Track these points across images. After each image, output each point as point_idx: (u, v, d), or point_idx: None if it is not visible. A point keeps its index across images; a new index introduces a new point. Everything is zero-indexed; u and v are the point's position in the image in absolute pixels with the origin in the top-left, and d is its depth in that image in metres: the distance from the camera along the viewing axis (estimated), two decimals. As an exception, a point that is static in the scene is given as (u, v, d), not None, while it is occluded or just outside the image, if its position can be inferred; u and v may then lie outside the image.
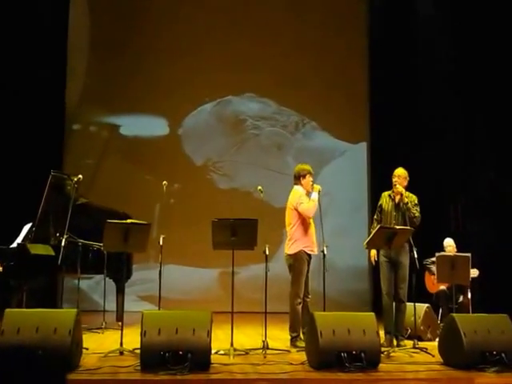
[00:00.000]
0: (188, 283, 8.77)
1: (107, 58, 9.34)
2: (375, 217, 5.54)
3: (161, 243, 4.96)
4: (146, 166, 9.21)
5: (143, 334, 3.80)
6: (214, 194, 9.22)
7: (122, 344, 4.34)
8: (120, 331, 4.44)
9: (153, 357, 3.71)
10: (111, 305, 6.33)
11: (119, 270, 5.80)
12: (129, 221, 5.20)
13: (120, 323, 4.82)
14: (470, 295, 6.28)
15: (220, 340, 4.86)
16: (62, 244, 4.73)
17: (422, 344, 4.97)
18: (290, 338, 5.05)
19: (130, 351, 4.29)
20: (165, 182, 5.43)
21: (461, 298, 6.22)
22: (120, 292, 6.11)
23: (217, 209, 8.20)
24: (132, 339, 4.50)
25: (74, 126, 9.39)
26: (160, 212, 8.22)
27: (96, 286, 8.13)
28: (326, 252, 4.90)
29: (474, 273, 6.00)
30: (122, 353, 4.28)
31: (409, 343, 4.98)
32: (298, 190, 5.22)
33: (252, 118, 9.62)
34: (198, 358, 3.73)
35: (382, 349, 4.25)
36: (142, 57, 9.34)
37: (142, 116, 9.38)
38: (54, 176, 5.66)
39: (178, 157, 9.30)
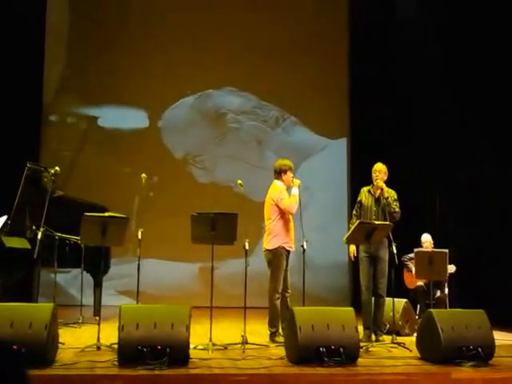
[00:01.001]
0: (167, 278, 8.71)
1: (86, 47, 9.19)
2: (354, 212, 5.57)
3: (139, 237, 4.91)
4: (124, 159, 9.10)
5: (121, 328, 3.76)
6: (193, 187, 9.17)
7: (99, 339, 4.30)
8: (97, 326, 4.39)
9: (131, 352, 3.68)
10: (88, 299, 6.26)
11: (97, 264, 5.74)
12: (107, 214, 5.13)
13: (97, 318, 4.78)
14: (447, 291, 6.38)
15: (199, 335, 4.84)
16: (38, 237, 4.64)
17: (400, 339, 5.03)
18: (269, 333, 5.06)
19: (107, 346, 4.25)
20: (144, 175, 5.38)
21: (438, 294, 6.30)
22: (97, 286, 6.04)
23: (196, 203, 8.13)
24: (109, 334, 4.46)
25: (51, 117, 9.22)
26: (139, 205, 8.16)
27: (73, 280, 8.01)
28: (305, 247, 4.91)
29: (451, 269, 6.09)
30: (99, 348, 4.24)
31: (387, 338, 5.04)
32: (278, 185, 5.21)
33: (232, 112, 9.59)
34: (177, 352, 3.71)
35: (361, 344, 4.28)
36: (123, 48, 9.21)
37: (121, 108, 9.26)
38: (30, 168, 5.55)
39: (158, 150, 9.22)
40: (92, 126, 9.25)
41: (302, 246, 4.93)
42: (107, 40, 9.20)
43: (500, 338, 5.07)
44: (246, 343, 4.56)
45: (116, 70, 9.16)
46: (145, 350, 3.66)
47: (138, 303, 4.92)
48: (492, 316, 4.29)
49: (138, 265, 4.88)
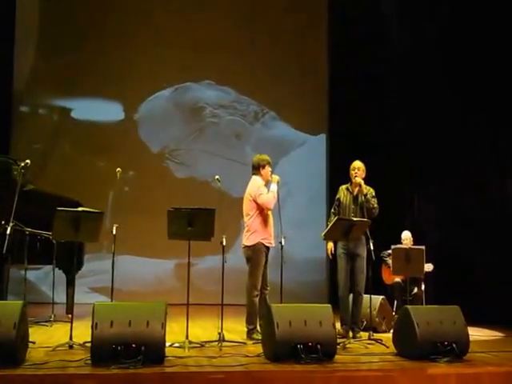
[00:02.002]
0: (142, 274, 8.66)
1: (60, 37, 9.02)
2: (332, 210, 5.62)
3: (114, 232, 4.89)
4: (99, 152, 8.99)
5: (94, 326, 3.72)
6: (170, 182, 9.12)
7: (71, 337, 4.26)
8: (70, 324, 4.35)
9: (104, 350, 3.65)
10: (61, 297, 6.19)
11: (69, 261, 5.66)
12: (80, 209, 5.07)
13: (70, 316, 4.72)
14: (423, 287, 6.49)
15: (175, 333, 4.84)
16: (8, 232, 4.56)
17: (377, 335, 5.11)
18: (246, 330, 5.08)
19: (80, 345, 4.22)
20: (119, 169, 5.34)
21: (415, 290, 6.42)
22: (70, 283, 5.97)
23: (173, 198, 8.08)
24: (82, 332, 4.43)
25: (23, 108, 9.05)
26: (113, 200, 8.08)
27: (45, 277, 7.90)
28: (283, 243, 4.94)
29: (429, 267, 6.20)
30: (71, 346, 4.20)
31: (364, 335, 5.11)
32: (256, 181, 5.22)
33: (211, 105, 9.55)
34: (152, 351, 3.70)
35: (338, 340, 4.33)
36: (97, 38, 9.08)
37: (95, 100, 9.13)
38: (0, 160, 5.44)
39: (134, 143, 9.13)
40: (65, 118, 9.11)
41: (280, 243, 4.97)
42: (82, 30, 9.05)
43: (474, 333, 5.19)
44: (223, 341, 4.57)
45: (91, 60, 9.02)
46: (119, 348, 3.63)
47: (112, 301, 4.88)
48: (466, 312, 4.38)
49: (113, 261, 4.85)
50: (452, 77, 7.31)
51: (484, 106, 6.91)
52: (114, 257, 4.87)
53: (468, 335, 4.25)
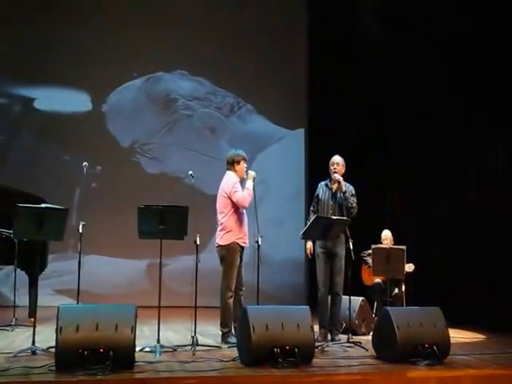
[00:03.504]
0: (111, 275, 8.59)
1: (21, 21, 8.86)
2: (312, 208, 5.66)
3: (80, 231, 4.87)
4: (64, 145, 8.88)
5: (59, 330, 3.69)
6: (140, 178, 9.06)
7: (34, 342, 4.22)
8: (32, 328, 4.29)
9: (70, 356, 3.62)
10: (23, 299, 6.10)
11: (32, 261, 5.58)
12: (43, 205, 5.00)
13: (32, 319, 4.66)
14: (404, 288, 6.60)
15: (146, 336, 4.83)
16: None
17: (356, 338, 5.19)
18: (220, 333, 5.09)
19: (43, 350, 4.18)
20: (85, 164, 5.32)
21: (395, 291, 6.52)
22: (33, 285, 5.89)
23: (144, 194, 8.05)
24: (46, 337, 4.42)
25: (-19, 98, 8.88)
26: (80, 197, 7.99)
27: (6, 279, 7.78)
28: (260, 243, 4.96)
29: (410, 267, 6.30)
30: (34, 352, 4.16)
31: (343, 337, 5.17)
32: (230, 177, 5.23)
33: (184, 97, 9.51)
34: (121, 356, 3.68)
35: (316, 343, 4.38)
36: (64, 23, 8.95)
37: (60, 89, 9.00)
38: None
39: (102, 136, 9.04)
40: (28, 109, 8.97)
41: (257, 242, 4.98)
42: (46, 14, 8.92)
43: (455, 335, 5.31)
44: (197, 345, 4.57)
45: (55, 47, 8.89)
46: (86, 353, 3.61)
47: (78, 303, 4.83)
48: (448, 314, 4.47)
49: (79, 261, 4.82)
50: (437, 74, 7.44)
51: (464, 107, 7.05)
52: (80, 257, 4.83)
53: (449, 337, 4.33)
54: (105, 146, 8.99)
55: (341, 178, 5.43)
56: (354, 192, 5.50)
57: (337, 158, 5.53)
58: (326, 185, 5.57)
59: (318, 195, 5.59)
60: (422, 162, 7.64)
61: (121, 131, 9.21)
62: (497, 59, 6.59)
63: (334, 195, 5.48)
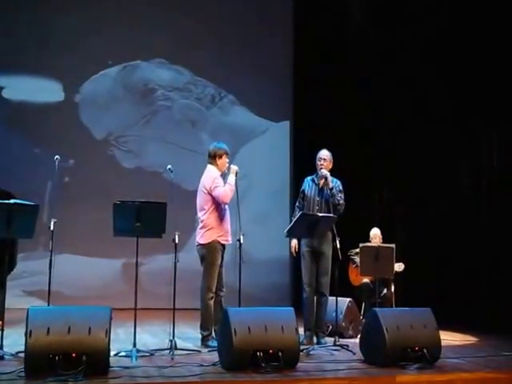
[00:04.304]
0: (84, 275, 8.52)
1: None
2: (297, 204, 5.67)
3: (52, 228, 4.83)
4: (34, 137, 8.77)
5: (28, 334, 3.67)
6: (116, 172, 9.00)
7: (2, 347, 4.20)
8: (0, 332, 4.25)
9: (40, 361, 3.61)
10: (-11, 301, 6.02)
11: (0, 260, 5.51)
12: (12, 201, 4.93)
13: (0, 322, 4.60)
14: (393, 288, 6.65)
15: (121, 340, 4.82)
16: None
17: (343, 341, 5.22)
18: (200, 336, 5.09)
19: (12, 355, 4.15)
20: (57, 157, 5.27)
21: (384, 292, 6.57)
22: (1, 286, 5.81)
23: (119, 190, 8.01)
24: (15, 341, 4.39)
25: None
26: (51, 192, 7.89)
27: (-30, 279, 7.66)
28: (242, 241, 4.97)
29: (400, 267, 6.35)
30: (2, 357, 4.14)
31: (330, 340, 5.20)
32: (211, 172, 5.22)
33: (163, 87, 9.46)
34: (95, 360, 3.67)
35: (301, 347, 4.40)
36: (34, 8, 8.82)
37: (30, 77, 8.88)
38: None
39: (75, 128, 8.94)
40: (-5, 98, 8.84)
41: (239, 240, 4.99)
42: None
43: (446, 338, 5.37)
44: (175, 349, 4.57)
45: (25, 32, 8.76)
46: (57, 358, 3.59)
47: (49, 305, 4.79)
48: (438, 315, 4.52)
49: (50, 260, 4.78)
50: (428, 67, 7.50)
51: (459, 103, 7.12)
52: (51, 256, 4.79)
53: (440, 340, 4.37)
54: (78, 138, 8.90)
55: (328, 174, 5.44)
56: (341, 188, 5.52)
57: (324, 153, 5.54)
58: (313, 180, 5.58)
59: (303, 191, 5.60)
60: (413, 157, 7.69)
61: (95, 123, 9.13)
62: (493, 53, 6.66)
63: (320, 191, 5.49)
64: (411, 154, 7.70)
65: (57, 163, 5.22)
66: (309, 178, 5.64)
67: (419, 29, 7.59)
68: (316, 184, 5.54)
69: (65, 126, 8.87)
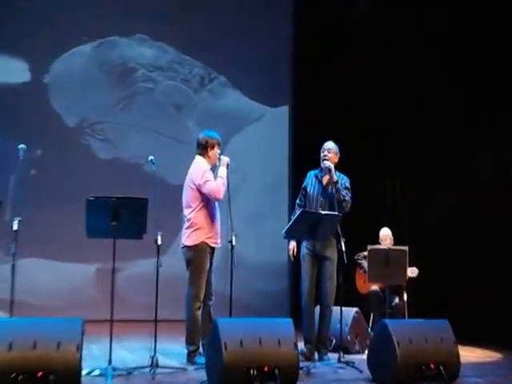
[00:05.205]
0: (53, 283, 8.52)
1: None
2: (298, 201, 5.68)
3: (15, 228, 4.80)
4: (-4, 124, 8.75)
5: (-13, 350, 3.65)
6: (90, 164, 8.98)
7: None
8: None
9: (1, 380, 3.58)
10: None
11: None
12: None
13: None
14: (405, 297, 6.66)
15: (95, 357, 4.80)
16: None
17: (348, 357, 5.21)
18: (186, 352, 5.09)
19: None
20: (22, 146, 5.22)
21: (396, 301, 6.57)
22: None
23: (94, 184, 8.00)
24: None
25: None
26: (15, 186, 7.86)
27: None
28: (234, 243, 4.96)
29: (413, 272, 6.35)
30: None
31: (333, 356, 5.20)
32: (200, 164, 5.22)
33: (144, 66, 9.45)
34: (64, 380, 3.66)
35: (301, 364, 4.38)
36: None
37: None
38: None
39: (43, 113, 8.92)
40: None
41: (230, 242, 4.97)
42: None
43: (466, 353, 5.39)
44: (157, 366, 4.57)
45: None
46: (20, 377, 3.58)
47: (11, 316, 4.77)
48: (457, 327, 4.53)
49: (13, 266, 4.76)
50: (432, 54, 7.57)
51: (464, 97, 7.18)
52: (14, 260, 4.76)
53: (459, 356, 4.39)
54: (46, 125, 8.88)
55: (332, 166, 5.44)
56: (348, 185, 5.53)
57: (329, 144, 5.57)
58: (316, 176, 5.58)
59: (305, 187, 5.61)
60: (428, 146, 7.70)
61: (67, 107, 9.10)
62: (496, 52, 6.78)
63: (324, 190, 5.49)
64: (426, 143, 7.71)
65: (21, 153, 5.19)
66: (312, 172, 5.64)
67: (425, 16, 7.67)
68: (320, 181, 5.54)
69: (31, 111, 8.84)
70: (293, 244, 5.55)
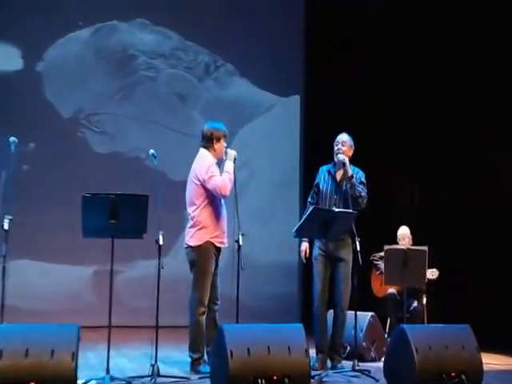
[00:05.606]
0: (47, 286, 8.54)
1: None
2: (309, 199, 5.69)
3: (6, 227, 4.82)
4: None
5: (-24, 358, 3.67)
6: (87, 158, 9.00)
7: None
8: None
9: (-9, 390, 3.60)
10: None
11: None
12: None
13: None
14: (425, 301, 6.65)
15: (92, 365, 4.82)
16: None
17: (363, 365, 5.21)
18: (190, 360, 5.10)
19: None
20: (13, 139, 5.24)
21: (414, 304, 6.57)
22: None
23: (92, 180, 8.04)
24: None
25: None
26: (6, 183, 7.88)
27: None
28: (241, 243, 4.96)
29: (433, 274, 6.34)
30: None
31: (347, 364, 5.20)
32: (205, 158, 5.22)
33: (145, 53, 9.46)
34: (59, 390, 3.66)
35: (313, 372, 4.40)
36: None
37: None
38: None
39: (36, 104, 8.94)
40: None
41: (237, 242, 4.97)
42: None
43: (489, 361, 5.37)
44: (158, 375, 4.58)
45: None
46: (12, 387, 3.59)
47: (2, 322, 4.80)
48: (479, 333, 4.51)
49: (4, 268, 4.77)
50: (443, 51, 7.61)
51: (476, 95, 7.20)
52: (5, 262, 4.79)
53: (481, 363, 4.37)
54: (40, 116, 8.90)
55: (346, 160, 5.44)
56: (363, 179, 5.53)
57: (343, 136, 5.57)
58: (329, 171, 5.58)
59: (318, 184, 5.61)
60: (448, 139, 7.69)
61: (62, 97, 9.12)
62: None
63: (338, 186, 5.48)
64: (446, 136, 7.69)
65: (13, 147, 5.20)
66: (324, 167, 5.64)
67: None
68: (333, 177, 5.53)
69: (23, 102, 8.85)
70: (305, 245, 5.55)
